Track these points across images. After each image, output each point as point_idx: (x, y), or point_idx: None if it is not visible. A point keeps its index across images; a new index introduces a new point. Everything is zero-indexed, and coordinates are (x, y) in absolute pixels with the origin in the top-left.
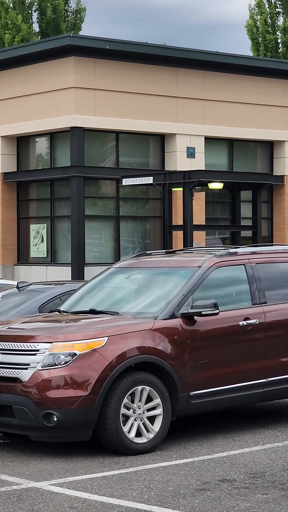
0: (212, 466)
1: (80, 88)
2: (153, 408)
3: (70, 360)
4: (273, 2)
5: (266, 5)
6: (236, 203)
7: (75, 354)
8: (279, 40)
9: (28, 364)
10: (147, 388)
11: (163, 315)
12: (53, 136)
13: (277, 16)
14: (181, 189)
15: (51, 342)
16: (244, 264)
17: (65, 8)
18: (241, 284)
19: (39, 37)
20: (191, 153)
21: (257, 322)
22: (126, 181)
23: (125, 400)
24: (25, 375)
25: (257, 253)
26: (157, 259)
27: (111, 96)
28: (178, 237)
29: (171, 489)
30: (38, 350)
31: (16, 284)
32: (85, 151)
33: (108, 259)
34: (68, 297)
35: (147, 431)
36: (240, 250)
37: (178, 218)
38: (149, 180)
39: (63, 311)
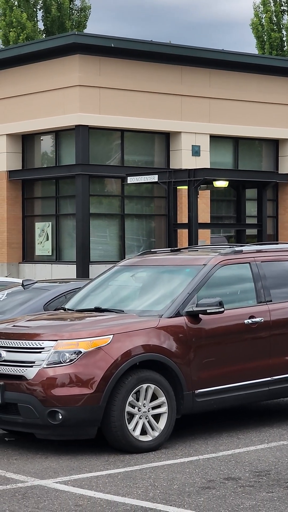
0: (217, 464)
1: (85, 86)
2: (158, 406)
3: (75, 358)
4: (278, 0)
5: (271, 3)
6: (241, 201)
7: (80, 352)
8: (284, 38)
9: (33, 362)
10: (152, 386)
11: (168, 313)
12: (58, 134)
13: (282, 14)
14: (186, 187)
15: (56, 340)
16: (249, 262)
17: (70, 6)
18: (246, 282)
19: (44, 35)
20: (196, 151)
21: (262, 321)
22: (131, 179)
23: (130, 398)
24: (30, 373)
25: (262, 251)
26: (162, 257)
27: (116, 94)
28: (183, 235)
29: (176, 487)
30: (43, 348)
31: (21, 282)
32: (90, 149)
33: (113, 257)
34: (73, 295)
35: (152, 429)
36: (245, 248)
37: (183, 216)
38: (154, 178)
39: (68, 309)
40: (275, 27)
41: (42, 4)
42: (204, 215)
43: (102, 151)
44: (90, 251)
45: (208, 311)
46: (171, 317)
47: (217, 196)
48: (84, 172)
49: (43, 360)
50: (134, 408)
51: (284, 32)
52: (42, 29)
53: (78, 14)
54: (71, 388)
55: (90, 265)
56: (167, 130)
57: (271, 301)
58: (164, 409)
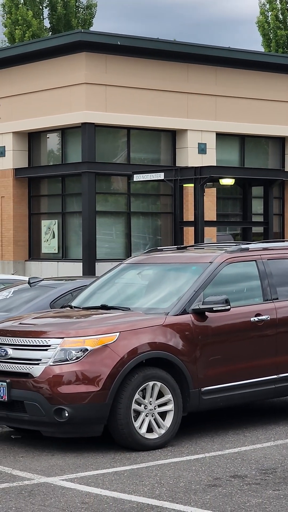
0: (223, 462)
1: (91, 84)
2: (164, 404)
3: (81, 356)
4: None
5: (277, 1)
6: (247, 199)
7: (87, 350)
8: None
9: (40, 360)
10: (159, 383)
11: (174, 311)
12: (64, 132)
13: None
14: (192, 185)
15: (63, 338)
16: (255, 260)
17: (76, 4)
18: (253, 280)
19: (50, 33)
20: (202, 149)
21: (269, 318)
22: (137, 177)
23: (137, 396)
24: (36, 370)
25: (269, 249)
26: (168, 255)
27: (122, 92)
28: (189, 233)
29: (182, 484)
30: (49, 346)
31: (28, 279)
32: (96, 147)
33: (119, 255)
34: (79, 292)
35: (158, 426)
36: (251, 246)
37: (189, 214)
38: (160, 176)
39: (74, 307)
40: (281, 25)
41: (48, 2)
42: (210, 213)
43: (108, 149)
44: (96, 249)
45: (214, 308)
46: (177, 315)
47: (223, 194)
48: (90, 170)
49: (49, 358)
50: (140, 406)
51: None
52: (48, 27)
53: (84, 12)
54: (77, 385)
55: (96, 263)
56: (173, 128)
57: (277, 299)
58: (170, 406)
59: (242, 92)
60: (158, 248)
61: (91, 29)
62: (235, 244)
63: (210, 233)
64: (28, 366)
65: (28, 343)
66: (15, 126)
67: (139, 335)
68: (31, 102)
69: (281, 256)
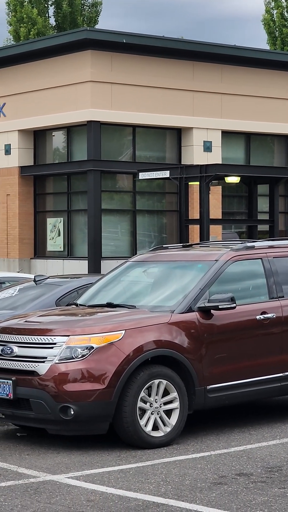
0: (229, 460)
1: (97, 82)
2: (170, 402)
3: (87, 354)
4: None
5: None
6: (253, 197)
7: (92, 348)
8: None
9: (45, 357)
10: (164, 381)
11: (180, 309)
12: (70, 130)
13: None
14: (198, 183)
15: (68, 336)
16: (261, 258)
17: (81, 1)
18: (258, 278)
19: (55, 31)
20: (207, 147)
21: (274, 316)
22: (142, 175)
23: (142, 394)
24: (42, 368)
25: (274, 247)
26: (174, 253)
27: (128, 90)
28: (194, 231)
29: (188, 482)
30: (55, 343)
31: (33, 277)
32: (102, 145)
33: (125, 253)
34: (85, 290)
35: (164, 424)
36: (257, 244)
37: (194, 212)
38: (166, 174)
39: (80, 305)
40: (286, 23)
41: (53, 0)
42: (215, 211)
43: (114, 147)
44: (102, 247)
45: (220, 306)
46: (183, 313)
47: (228, 192)
48: (95, 168)
49: (55, 356)
50: (146, 404)
51: None
52: (53, 25)
53: (89, 9)
54: (83, 383)
55: (101, 261)
56: (179, 125)
57: (283, 297)
58: (176, 404)
59: (248, 90)
60: (163, 246)
61: (97, 27)
62: (240, 242)
63: (216, 231)
64: (33, 364)
65: (34, 341)
66: (21, 124)
67: (144, 333)
68: (37, 100)
69: (286, 254)
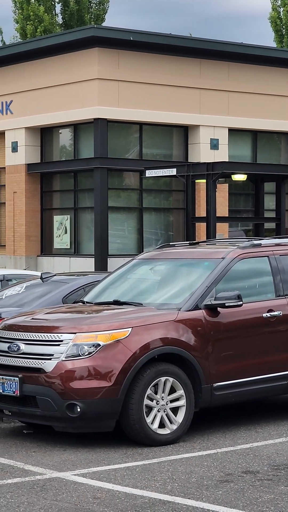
0: (235, 458)
1: (104, 80)
2: (177, 399)
3: (93, 351)
4: None
5: None
6: (259, 195)
7: (99, 345)
8: None
9: (52, 355)
10: (171, 379)
11: (186, 307)
12: (76, 127)
13: None
14: (205, 181)
15: (75, 333)
16: (268, 256)
17: None
18: (265, 276)
19: (62, 28)
20: (214, 144)
21: (281, 314)
22: (149, 173)
23: (149, 391)
24: (49, 365)
25: (281, 245)
26: (180, 251)
27: (135, 87)
28: (201, 229)
29: (194, 480)
30: (62, 341)
31: (40, 275)
32: (109, 143)
33: (131, 251)
34: (91, 288)
35: (170, 422)
36: (263, 242)
37: (201, 210)
38: (173, 171)
39: (86, 302)
40: None
41: None
42: (222, 209)
43: (121, 145)
44: (109, 245)
45: (226, 304)
46: (189, 310)
47: (235, 190)
48: (102, 165)
49: (61, 353)
50: (152, 401)
51: None
52: (60, 22)
53: (96, 7)
54: (89, 381)
55: (108, 259)
56: (186, 123)
57: None
58: (182, 402)
59: (255, 87)
60: (170, 243)
61: (104, 24)
62: (247, 240)
63: (222, 229)
64: (40, 361)
65: (41, 338)
66: (28, 121)
67: (151, 331)
68: (44, 97)
69: None
